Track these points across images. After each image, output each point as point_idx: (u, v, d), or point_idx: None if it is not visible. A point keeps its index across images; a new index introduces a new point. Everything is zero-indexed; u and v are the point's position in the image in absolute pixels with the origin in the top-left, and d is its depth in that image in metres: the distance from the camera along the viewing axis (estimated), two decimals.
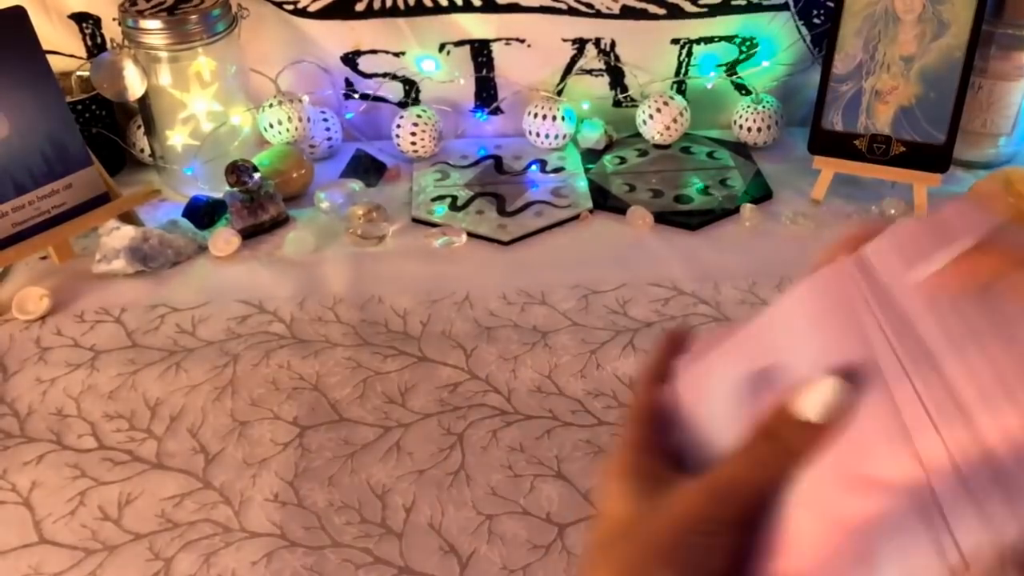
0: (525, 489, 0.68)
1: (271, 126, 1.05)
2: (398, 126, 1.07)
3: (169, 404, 0.77)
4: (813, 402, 0.30)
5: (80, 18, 1.06)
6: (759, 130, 1.09)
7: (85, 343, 0.83)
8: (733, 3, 1.06)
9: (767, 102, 1.09)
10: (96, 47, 1.08)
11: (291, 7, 1.05)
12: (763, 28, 1.08)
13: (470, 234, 0.96)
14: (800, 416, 0.30)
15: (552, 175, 1.05)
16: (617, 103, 1.14)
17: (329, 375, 0.79)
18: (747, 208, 0.98)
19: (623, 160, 1.09)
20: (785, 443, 0.30)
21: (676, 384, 0.36)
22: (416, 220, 0.99)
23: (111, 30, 1.06)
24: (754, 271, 0.90)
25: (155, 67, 0.97)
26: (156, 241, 0.92)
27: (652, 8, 1.06)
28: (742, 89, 1.13)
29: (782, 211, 0.99)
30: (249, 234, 0.97)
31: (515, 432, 0.73)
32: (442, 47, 1.08)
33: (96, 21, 1.06)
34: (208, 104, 1.01)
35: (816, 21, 1.07)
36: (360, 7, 1.05)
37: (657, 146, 1.10)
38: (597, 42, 1.09)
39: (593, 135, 1.10)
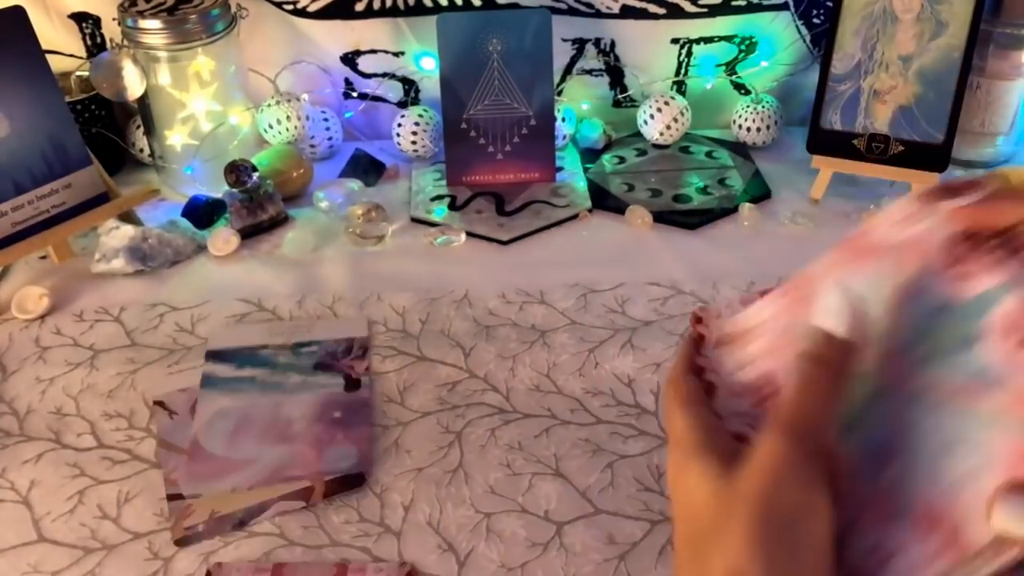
0: (523, 487, 0.69)
1: (270, 127, 1.05)
2: (399, 126, 1.08)
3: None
4: (833, 317, 0.32)
5: (80, 18, 1.06)
6: (758, 130, 1.09)
7: (84, 342, 0.84)
8: (733, 3, 1.06)
9: (766, 102, 1.09)
10: (96, 47, 1.08)
11: (291, 7, 1.06)
12: (763, 28, 1.08)
13: (469, 233, 0.96)
14: (832, 333, 0.32)
15: None
16: (617, 103, 1.14)
17: None
18: (746, 208, 0.98)
19: (622, 160, 1.09)
20: (831, 362, 0.32)
21: (715, 366, 0.36)
22: (415, 220, 0.99)
23: (111, 30, 1.06)
24: (753, 270, 0.90)
25: (154, 67, 0.97)
26: (155, 240, 0.92)
27: (652, 8, 1.06)
28: (741, 89, 1.13)
29: (781, 211, 0.99)
30: (248, 233, 0.97)
31: (513, 430, 0.73)
32: None
33: (96, 21, 1.07)
34: (207, 104, 1.01)
35: (816, 21, 1.07)
36: (360, 7, 1.06)
37: (656, 146, 1.11)
38: (597, 42, 1.09)
39: (592, 135, 1.10)
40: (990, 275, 0.32)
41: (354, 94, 1.13)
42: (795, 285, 0.36)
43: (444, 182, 1.05)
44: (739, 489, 0.31)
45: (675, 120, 1.08)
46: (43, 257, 0.94)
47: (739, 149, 1.10)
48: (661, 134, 1.09)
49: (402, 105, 1.13)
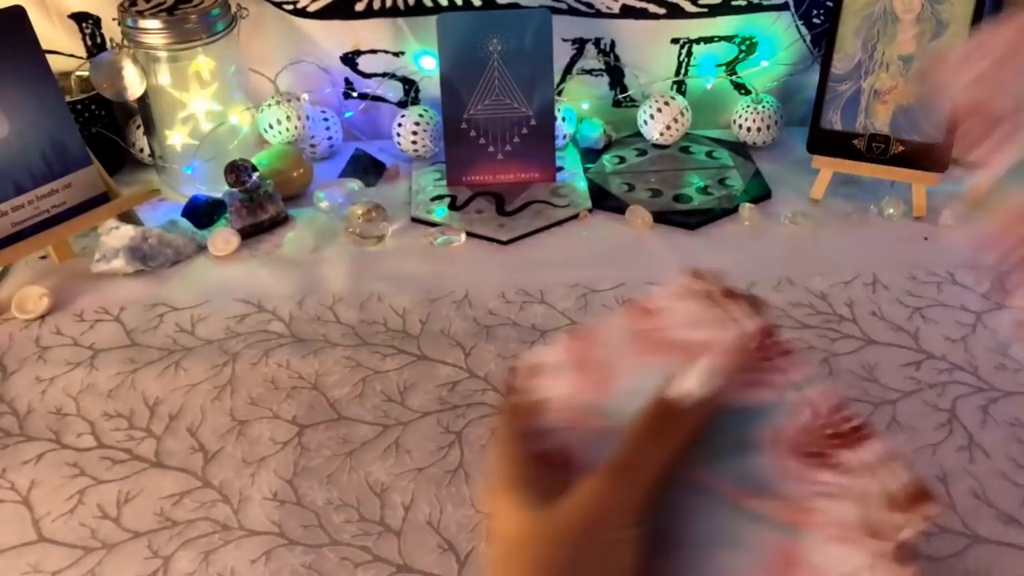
0: None
1: (271, 127, 1.05)
2: (399, 125, 1.08)
3: (168, 403, 0.77)
4: (694, 379, 0.34)
5: (80, 18, 1.06)
6: (759, 130, 1.09)
7: (84, 342, 0.83)
8: (733, 3, 1.06)
9: (767, 102, 1.09)
10: (96, 47, 1.08)
11: (291, 7, 1.06)
12: (763, 28, 1.08)
13: (469, 233, 0.96)
14: (684, 391, 0.34)
15: None
16: (617, 103, 1.14)
17: (328, 374, 0.79)
18: (746, 208, 0.98)
19: (622, 160, 1.09)
20: (674, 417, 0.34)
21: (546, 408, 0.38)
22: (415, 220, 0.99)
23: (111, 30, 1.06)
24: (753, 270, 0.90)
25: (154, 67, 0.97)
26: (155, 240, 0.92)
27: (652, 8, 1.06)
28: (742, 89, 1.13)
29: (781, 211, 0.99)
30: (248, 233, 0.97)
31: None
32: None
33: (96, 21, 1.07)
34: (207, 104, 1.01)
35: (816, 21, 1.07)
36: (360, 7, 1.06)
37: (656, 146, 1.11)
38: (597, 42, 1.09)
39: (592, 135, 1.10)
40: (767, 390, 0.35)
41: (354, 94, 1.13)
42: (590, 361, 0.38)
43: (444, 182, 1.05)
44: (555, 520, 0.33)
45: (675, 120, 1.08)
46: (43, 257, 0.94)
47: (739, 149, 1.10)
48: (661, 134, 1.09)
49: (402, 105, 1.13)
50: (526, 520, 0.33)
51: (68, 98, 1.00)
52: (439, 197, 1.02)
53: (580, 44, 1.10)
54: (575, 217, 0.99)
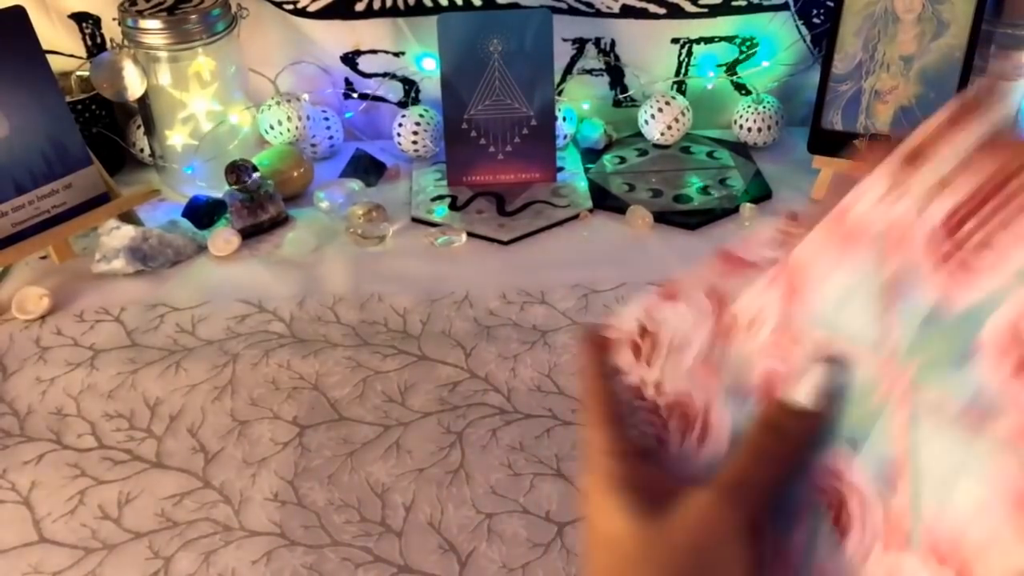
0: (524, 488, 0.68)
1: (271, 128, 1.05)
2: (400, 125, 1.07)
3: (169, 403, 0.77)
4: (806, 389, 0.31)
5: (80, 18, 1.06)
6: (759, 130, 1.08)
7: (85, 342, 0.83)
8: (733, 3, 1.06)
9: (767, 102, 1.09)
10: (96, 47, 1.08)
11: (291, 7, 1.05)
12: (763, 28, 1.08)
13: (470, 233, 0.96)
14: (795, 404, 0.31)
15: None
16: (617, 103, 1.14)
17: (329, 374, 0.79)
18: (747, 208, 0.98)
19: (623, 160, 1.09)
20: (785, 432, 0.31)
21: (633, 378, 0.36)
22: (416, 220, 0.99)
23: (111, 30, 1.06)
24: None
25: (155, 67, 0.97)
26: (156, 241, 0.92)
27: (652, 8, 1.06)
28: (742, 89, 1.13)
29: (782, 211, 0.99)
30: (249, 234, 0.97)
31: (515, 431, 0.73)
32: None
33: (96, 21, 1.07)
34: (208, 104, 1.01)
35: (816, 21, 1.07)
36: (360, 7, 1.05)
37: (657, 146, 1.11)
38: (597, 42, 1.09)
39: (593, 135, 1.10)
40: (975, 285, 0.29)
41: (354, 94, 1.13)
42: (783, 272, 0.35)
43: (445, 182, 1.05)
44: (669, 537, 0.31)
45: (676, 120, 1.08)
46: (43, 257, 0.94)
47: (740, 149, 1.10)
48: (662, 134, 1.08)
49: (403, 105, 1.13)
50: (632, 532, 0.32)
51: (68, 98, 1.00)
52: (440, 197, 1.02)
53: (580, 44, 1.10)
54: (576, 217, 0.99)
